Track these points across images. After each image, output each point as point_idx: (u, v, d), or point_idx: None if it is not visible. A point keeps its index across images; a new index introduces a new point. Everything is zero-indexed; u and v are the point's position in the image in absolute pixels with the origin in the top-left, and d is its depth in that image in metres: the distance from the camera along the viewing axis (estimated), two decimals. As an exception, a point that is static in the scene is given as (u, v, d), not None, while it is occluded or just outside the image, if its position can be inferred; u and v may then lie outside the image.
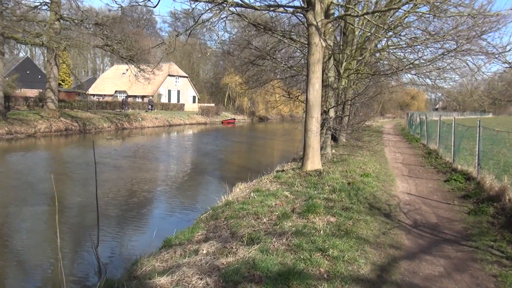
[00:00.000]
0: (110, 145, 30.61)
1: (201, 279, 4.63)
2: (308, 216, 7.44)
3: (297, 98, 15.88)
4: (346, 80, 16.97)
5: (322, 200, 8.73)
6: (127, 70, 41.74)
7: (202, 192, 14.71)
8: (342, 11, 14.98)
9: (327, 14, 12.45)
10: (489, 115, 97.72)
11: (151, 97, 65.79)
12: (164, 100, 70.36)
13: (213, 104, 76.04)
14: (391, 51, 19.66)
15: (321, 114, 14.65)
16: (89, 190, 14.46)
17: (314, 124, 11.91)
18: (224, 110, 76.07)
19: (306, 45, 13.09)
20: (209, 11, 10.82)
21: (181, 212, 11.77)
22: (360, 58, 16.15)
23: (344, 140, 20.61)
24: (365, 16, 11.91)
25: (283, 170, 12.97)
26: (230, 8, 11.40)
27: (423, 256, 6.22)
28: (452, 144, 15.19)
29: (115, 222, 10.63)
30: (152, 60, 53.72)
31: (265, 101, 59.34)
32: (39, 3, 37.60)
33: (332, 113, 15.35)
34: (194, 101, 77.55)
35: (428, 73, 19.18)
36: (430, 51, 17.49)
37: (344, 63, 15.57)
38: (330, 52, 14.91)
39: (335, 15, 12.95)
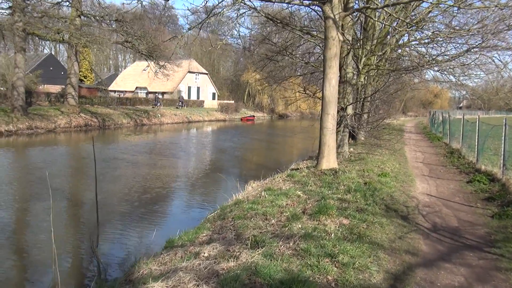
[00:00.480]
0: (128, 141, 30.65)
1: (197, 285, 4.30)
2: (320, 218, 7.04)
3: (314, 95, 15.42)
4: (365, 76, 16.43)
5: (335, 200, 8.32)
6: (147, 66, 41.87)
7: (215, 190, 14.42)
8: (362, 3, 14.43)
9: (346, 7, 11.99)
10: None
11: (182, 94, 66.35)
12: (184, 96, 70.48)
13: (233, 101, 75.87)
14: (413, 47, 19.03)
15: (338, 111, 14.22)
16: (103, 186, 14.34)
17: (330, 121, 11.47)
18: (243, 107, 75.86)
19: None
20: (222, 4, 10.49)
21: (191, 210, 11.50)
22: (380, 53, 15.59)
23: (362, 138, 20.06)
24: (386, 9, 11.41)
25: (298, 169, 12.57)
26: (246, 2, 11.06)
27: (442, 264, 5.76)
28: (476, 143, 14.54)
29: (124, 219, 10.41)
30: (171, 57, 53.85)
31: (283, 98, 58.87)
32: (60, 0, 37.95)
33: (350, 110, 14.86)
34: (213, 98, 77.51)
35: (451, 70, 18.48)
36: (454, 46, 16.86)
37: (364, 59, 15.04)
38: (349, 47, 14.42)
39: (354, 8, 12.46)
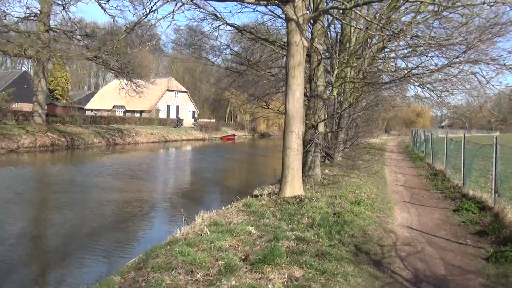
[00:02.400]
0: (93, 162, 28.70)
1: None
2: (264, 269, 5.30)
3: (278, 110, 13.72)
4: (340, 91, 14.93)
5: (291, 241, 6.61)
6: (126, 84, 40.24)
7: (159, 223, 12.34)
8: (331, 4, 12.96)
9: (315, 10, 10.47)
10: (496, 133, 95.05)
11: (179, 115, 66.44)
12: (162, 115, 68.68)
13: (214, 120, 74.28)
14: (392, 60, 17.66)
15: (308, 129, 12.62)
16: (37, 215, 12.40)
17: (294, 141, 9.80)
18: (224, 126, 74.29)
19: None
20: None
21: (116, 252, 9.41)
22: (355, 65, 14.09)
23: (339, 158, 18.46)
24: (355, 10, 9.88)
25: (260, 195, 10.83)
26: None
27: None
28: (462, 164, 13.00)
29: (27, 267, 8.51)
30: (146, 74, 51.95)
31: (260, 116, 57.51)
32: (27, 14, 36.20)
33: (321, 127, 13.24)
34: (193, 116, 75.83)
35: (432, 86, 17.15)
36: (435, 61, 15.56)
37: (337, 70, 13.52)
38: (319, 57, 12.89)
39: (320, 9, 10.94)
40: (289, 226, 7.74)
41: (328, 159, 18.42)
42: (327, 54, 14.03)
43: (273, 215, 8.52)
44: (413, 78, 14.78)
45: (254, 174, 25.54)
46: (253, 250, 6.21)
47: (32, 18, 37.14)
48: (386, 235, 7.88)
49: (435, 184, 14.71)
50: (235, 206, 9.42)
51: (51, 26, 37.08)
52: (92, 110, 71.08)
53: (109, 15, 63.70)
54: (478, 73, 14.77)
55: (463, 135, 13.42)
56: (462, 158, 13.04)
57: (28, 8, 36.42)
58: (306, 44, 9.73)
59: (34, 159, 29.37)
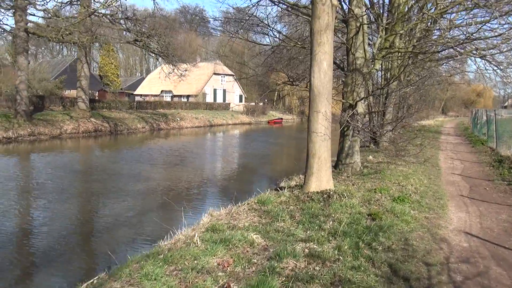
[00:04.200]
0: (130, 148, 28.00)
1: None
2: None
3: (307, 87, 11.64)
4: (385, 64, 12.79)
5: (301, 259, 4.88)
6: (173, 69, 39.63)
7: (166, 219, 10.82)
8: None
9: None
10: None
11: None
12: (209, 99, 67.99)
13: (261, 103, 72.76)
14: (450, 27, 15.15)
15: (347, 109, 10.71)
16: (49, 206, 11.34)
17: (321, 123, 7.98)
18: (272, 109, 72.64)
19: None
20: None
21: (92, 263, 8.04)
22: (401, 32, 11.83)
23: (386, 143, 16.31)
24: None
25: (283, 188, 9.11)
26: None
27: None
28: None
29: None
30: (194, 58, 51.06)
31: (304, 98, 55.24)
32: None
33: (361, 108, 11.24)
34: (240, 100, 74.72)
35: (496, 57, 14.55)
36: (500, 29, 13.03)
37: (379, 39, 11.43)
38: (357, 24, 10.85)
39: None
40: (307, 233, 6.02)
41: (373, 144, 16.35)
42: (368, 19, 11.89)
43: (291, 216, 6.82)
44: (474, 49, 12.40)
45: (296, 160, 23.78)
46: (245, 273, 4.56)
47: (74, 2, 37.01)
48: (436, 246, 5.97)
49: (501, 174, 12.34)
50: (248, 204, 7.77)
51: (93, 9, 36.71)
52: (141, 95, 71.67)
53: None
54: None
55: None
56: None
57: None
58: (334, 1, 7.81)
59: (73, 144, 29.10)
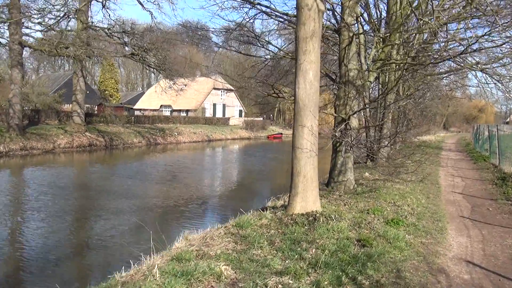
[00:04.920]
0: (123, 163, 27.33)
1: None
2: None
3: (291, 98, 10.82)
4: (380, 76, 12.13)
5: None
6: (172, 84, 39.33)
7: (143, 243, 9.97)
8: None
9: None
10: None
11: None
12: (208, 114, 67.57)
13: (261, 118, 72.21)
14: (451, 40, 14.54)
15: (339, 123, 10.04)
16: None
17: (307, 138, 7.28)
18: (272, 124, 72.09)
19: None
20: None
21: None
22: (397, 42, 11.16)
23: (384, 159, 15.58)
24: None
25: (267, 208, 8.38)
26: None
27: None
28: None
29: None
30: (193, 73, 50.74)
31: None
32: (63, 13, 35.70)
33: (355, 122, 10.56)
34: (240, 115, 74.32)
35: (497, 71, 13.93)
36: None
37: (374, 51, 10.79)
38: (350, 34, 10.22)
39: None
40: (285, 263, 5.29)
41: (370, 160, 15.66)
42: (362, 29, 11.24)
43: (270, 242, 6.08)
44: (474, 63, 11.77)
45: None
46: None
47: (71, 16, 36.75)
48: (432, 279, 5.21)
49: (505, 192, 11.58)
50: (225, 227, 7.02)
51: (89, 23, 36.42)
52: (140, 110, 71.37)
53: (147, 10, 63.41)
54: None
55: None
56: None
57: (66, 6, 35.87)
58: (321, 7, 7.17)
59: (65, 159, 28.49)
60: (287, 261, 5.34)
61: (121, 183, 17.97)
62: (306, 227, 6.70)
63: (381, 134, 15.02)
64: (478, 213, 9.28)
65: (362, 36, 10.74)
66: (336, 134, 9.76)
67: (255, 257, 5.48)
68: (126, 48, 37.76)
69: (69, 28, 36.41)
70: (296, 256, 5.49)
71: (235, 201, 15.77)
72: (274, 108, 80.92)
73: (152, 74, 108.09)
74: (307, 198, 7.36)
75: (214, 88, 69.53)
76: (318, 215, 7.08)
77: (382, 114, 14.51)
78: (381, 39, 11.06)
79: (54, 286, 5.56)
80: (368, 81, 10.57)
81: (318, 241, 6.08)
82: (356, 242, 6.21)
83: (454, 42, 11.67)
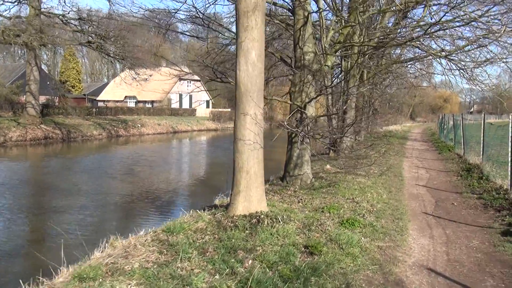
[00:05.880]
0: (78, 157, 25.82)
1: None
2: None
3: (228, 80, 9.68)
4: (339, 61, 11.29)
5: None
6: (138, 74, 37.79)
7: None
8: None
9: None
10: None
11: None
12: (175, 105, 65.88)
13: (229, 109, 71.03)
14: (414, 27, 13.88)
15: (294, 112, 9.14)
16: None
17: (249, 128, 6.32)
18: (241, 115, 71.11)
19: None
20: None
21: None
22: (355, 24, 10.29)
23: (346, 151, 14.83)
24: None
25: (211, 207, 7.41)
26: None
27: None
28: (510, 158, 9.22)
29: None
30: (156, 63, 49.33)
31: (272, 103, 53.95)
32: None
33: (311, 110, 9.66)
34: (207, 106, 72.93)
35: (462, 58, 13.47)
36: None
37: (331, 32, 9.93)
38: (305, 13, 9.30)
39: None
40: (212, 279, 4.33)
41: (333, 151, 14.88)
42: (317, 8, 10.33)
43: (201, 251, 5.10)
44: (439, 51, 11.10)
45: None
46: None
47: (23, 1, 34.69)
48: (387, 294, 4.36)
49: (470, 185, 10.96)
50: (154, 232, 6.00)
51: (42, 10, 34.42)
52: (104, 101, 69.08)
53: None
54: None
55: (510, 118, 9.56)
56: (510, 149, 9.24)
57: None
58: (265, -24, 6.20)
59: (16, 153, 26.83)
60: (216, 277, 4.39)
61: (68, 179, 16.66)
62: (247, 231, 5.76)
63: (344, 123, 14.26)
64: (442, 209, 8.57)
65: (318, 16, 9.83)
66: (290, 123, 8.84)
67: (178, 272, 4.50)
68: (84, 36, 35.94)
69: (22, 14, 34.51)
70: (227, 269, 4.54)
71: (190, 198, 14.80)
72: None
73: (118, 65, 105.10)
74: (251, 197, 6.41)
75: (181, 79, 67.75)
76: (262, 216, 6.14)
77: (344, 102, 13.72)
78: (341, 20, 10.20)
79: None
80: (325, 65, 9.68)
81: (258, 249, 5.16)
82: (303, 249, 5.32)
83: (418, 27, 10.97)
